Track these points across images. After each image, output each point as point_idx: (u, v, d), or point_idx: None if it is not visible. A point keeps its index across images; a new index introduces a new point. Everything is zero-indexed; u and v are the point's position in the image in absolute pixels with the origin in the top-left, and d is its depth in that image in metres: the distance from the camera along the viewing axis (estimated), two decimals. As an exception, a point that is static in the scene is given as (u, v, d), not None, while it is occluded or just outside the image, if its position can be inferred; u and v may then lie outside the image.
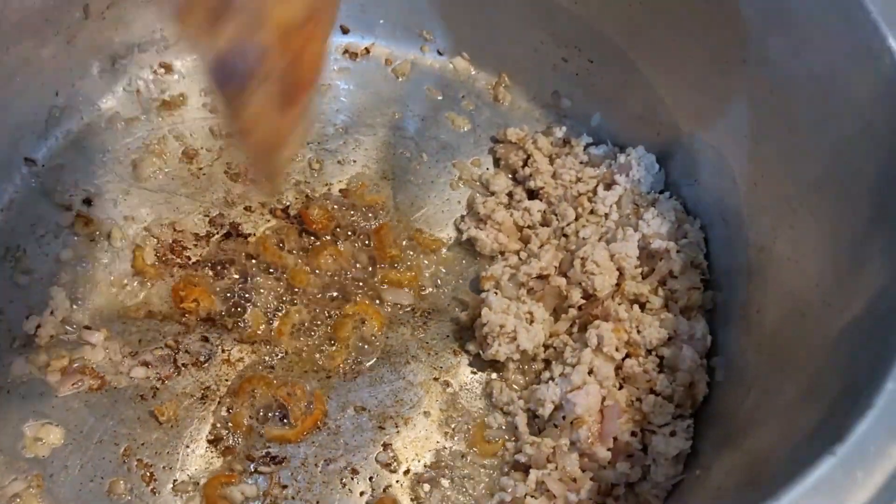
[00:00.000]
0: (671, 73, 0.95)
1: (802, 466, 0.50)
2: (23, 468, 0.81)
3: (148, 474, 0.82)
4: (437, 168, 1.05)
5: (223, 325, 0.90)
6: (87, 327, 0.88)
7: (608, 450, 0.82)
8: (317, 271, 0.94)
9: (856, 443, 0.50)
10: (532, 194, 1.02)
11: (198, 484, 0.82)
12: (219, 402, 0.86)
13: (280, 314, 0.91)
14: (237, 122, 0.61)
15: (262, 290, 0.92)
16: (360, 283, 0.94)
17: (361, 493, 0.83)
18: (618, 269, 0.92)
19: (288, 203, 0.99)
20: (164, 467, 0.83)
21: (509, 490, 0.82)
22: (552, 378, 0.87)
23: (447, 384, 0.90)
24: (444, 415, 0.88)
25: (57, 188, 0.96)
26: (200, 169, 1.00)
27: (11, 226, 0.93)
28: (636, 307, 0.91)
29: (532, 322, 0.90)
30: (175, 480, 0.82)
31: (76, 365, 0.86)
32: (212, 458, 0.84)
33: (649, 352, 0.88)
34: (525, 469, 0.84)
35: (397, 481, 0.84)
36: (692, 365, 0.86)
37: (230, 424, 0.85)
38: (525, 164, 1.03)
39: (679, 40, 0.91)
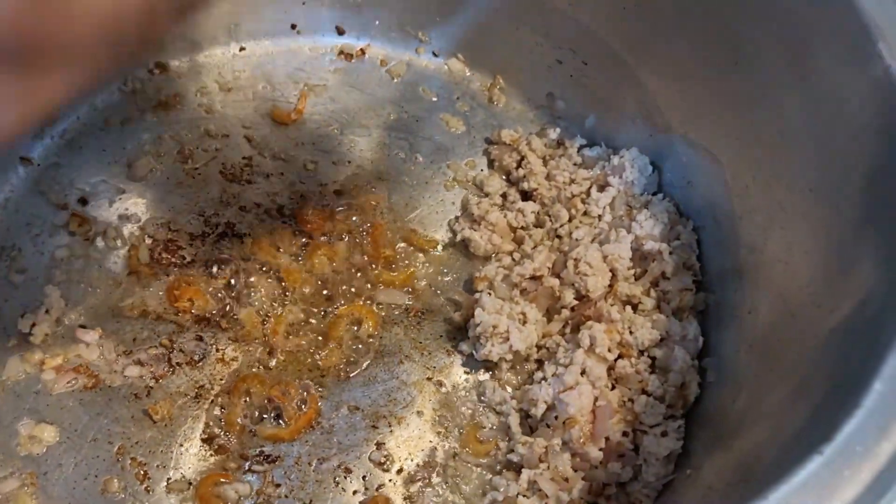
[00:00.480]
0: (664, 75, 0.95)
1: (791, 465, 0.51)
2: (17, 466, 0.82)
3: (142, 473, 0.82)
4: (432, 169, 1.05)
5: (217, 324, 0.90)
6: (82, 326, 0.88)
7: (600, 450, 0.83)
8: (311, 271, 0.94)
9: (843, 442, 0.51)
10: (526, 195, 1.02)
11: (191, 482, 0.82)
12: (213, 402, 0.87)
13: (274, 314, 0.92)
14: None
15: (256, 290, 0.92)
16: (355, 284, 0.95)
17: (354, 492, 0.84)
18: (610, 271, 0.92)
19: (283, 203, 0.99)
20: (158, 466, 0.83)
21: (501, 489, 0.83)
22: (545, 378, 0.87)
23: (440, 384, 0.91)
24: (437, 414, 0.89)
25: (52, 187, 0.96)
26: (196, 169, 1.01)
27: (6, 224, 0.94)
28: (629, 308, 0.91)
29: (525, 323, 0.90)
30: (169, 479, 0.82)
31: (71, 363, 0.86)
32: (206, 456, 0.84)
33: (641, 352, 0.88)
34: (517, 469, 0.84)
35: (390, 480, 0.85)
36: (684, 366, 0.86)
37: (224, 423, 0.85)
38: (519, 166, 1.04)
39: (672, 43, 0.92)
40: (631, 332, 0.88)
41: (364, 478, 0.85)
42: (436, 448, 0.87)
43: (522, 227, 1.00)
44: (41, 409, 0.84)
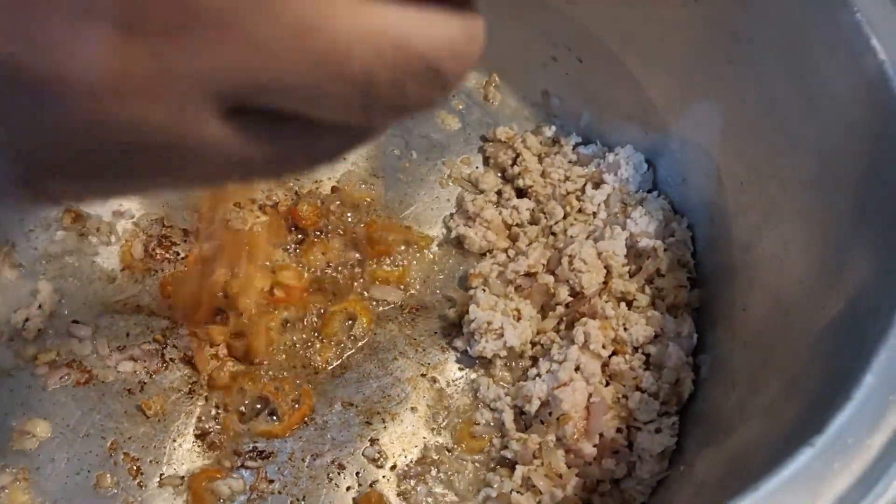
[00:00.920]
0: (659, 72, 0.95)
1: (783, 458, 0.51)
2: (9, 461, 0.81)
3: (135, 468, 0.82)
4: (427, 166, 1.05)
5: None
6: (75, 321, 0.88)
7: (594, 446, 0.82)
8: (305, 267, 0.94)
9: (834, 434, 0.50)
10: (521, 193, 1.02)
11: (184, 478, 0.82)
12: (206, 397, 0.86)
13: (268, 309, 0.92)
14: None
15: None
16: (349, 280, 0.95)
17: (348, 488, 0.84)
18: (605, 268, 0.92)
19: (277, 200, 0.99)
20: (150, 461, 0.83)
21: (495, 486, 0.83)
22: (539, 375, 0.87)
23: (434, 380, 0.90)
24: (431, 411, 0.89)
25: (46, 183, 0.96)
26: (190, 165, 1.00)
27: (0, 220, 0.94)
28: (623, 305, 0.91)
29: (519, 319, 0.90)
30: (162, 474, 0.82)
31: (64, 359, 0.86)
32: (199, 452, 0.84)
33: (636, 349, 0.88)
34: (511, 465, 0.84)
35: (384, 476, 0.85)
36: (678, 363, 0.86)
37: (217, 419, 0.85)
38: (514, 163, 1.04)
39: (667, 39, 0.92)
40: (625, 329, 0.88)
41: (357, 474, 0.84)
42: (429, 444, 0.87)
43: (517, 225, 1.00)
44: (34, 404, 0.84)
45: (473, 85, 1.12)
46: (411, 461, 0.86)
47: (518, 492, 0.82)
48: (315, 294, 0.93)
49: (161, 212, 0.96)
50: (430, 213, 1.02)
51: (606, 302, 0.90)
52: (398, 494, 0.84)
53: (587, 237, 0.95)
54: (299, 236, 0.96)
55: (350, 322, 0.92)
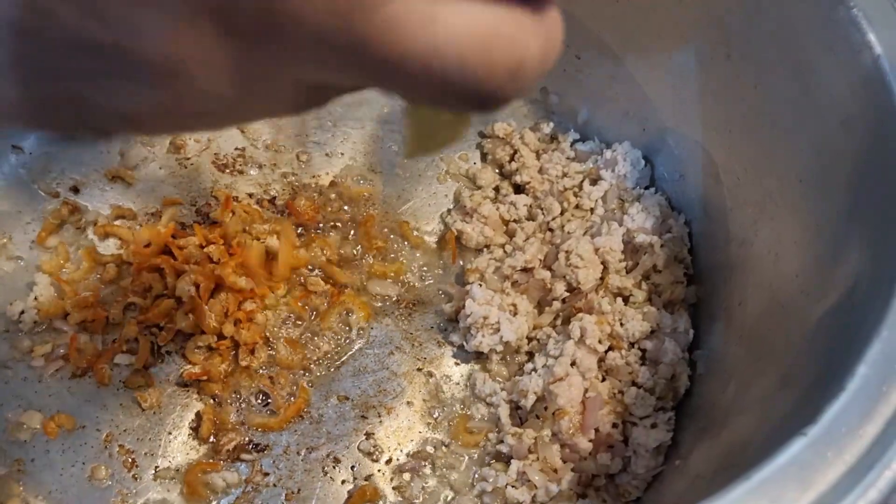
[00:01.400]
0: (657, 69, 0.96)
1: (776, 449, 0.51)
2: (4, 453, 0.81)
3: (129, 460, 0.82)
4: (425, 161, 1.05)
5: (208, 313, 0.90)
6: (71, 313, 0.88)
7: (589, 441, 0.82)
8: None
9: (827, 424, 0.50)
10: (518, 189, 1.03)
11: (179, 471, 0.82)
12: (202, 390, 0.86)
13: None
14: None
15: (247, 280, 0.92)
16: (346, 274, 0.94)
17: (343, 482, 0.84)
18: (602, 263, 0.92)
19: (275, 194, 0.99)
20: (145, 454, 0.83)
21: (490, 480, 0.82)
22: (535, 370, 0.87)
23: (431, 375, 0.90)
24: (426, 405, 0.89)
25: (44, 176, 0.96)
26: (188, 159, 1.00)
27: (-3, 212, 0.94)
28: (619, 301, 0.91)
29: (516, 314, 0.90)
30: (157, 467, 0.82)
31: (59, 351, 0.86)
32: (194, 445, 0.84)
33: (632, 345, 0.88)
34: (507, 459, 0.84)
35: (379, 470, 0.84)
36: (674, 358, 0.86)
37: (213, 412, 0.85)
38: (512, 159, 1.04)
39: (665, 36, 0.92)
40: (622, 325, 0.88)
41: (353, 467, 0.84)
42: (425, 438, 0.87)
43: (515, 220, 1.00)
44: (29, 396, 0.84)
45: (472, 81, 1.11)
46: (407, 455, 0.86)
47: (513, 486, 0.82)
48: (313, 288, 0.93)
49: (159, 206, 0.96)
50: (428, 208, 1.02)
51: (603, 297, 0.90)
52: (393, 488, 0.84)
53: (584, 233, 0.95)
54: (299, 230, 0.96)
55: (347, 316, 0.92)
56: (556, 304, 0.91)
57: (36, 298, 0.88)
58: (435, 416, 0.88)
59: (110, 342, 0.87)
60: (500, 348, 0.89)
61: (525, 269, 0.93)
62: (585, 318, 0.88)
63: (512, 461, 0.83)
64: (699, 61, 0.90)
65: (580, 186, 1.00)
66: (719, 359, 0.85)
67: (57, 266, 0.91)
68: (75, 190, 0.96)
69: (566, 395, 0.83)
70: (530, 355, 0.90)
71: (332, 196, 0.99)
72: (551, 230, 0.98)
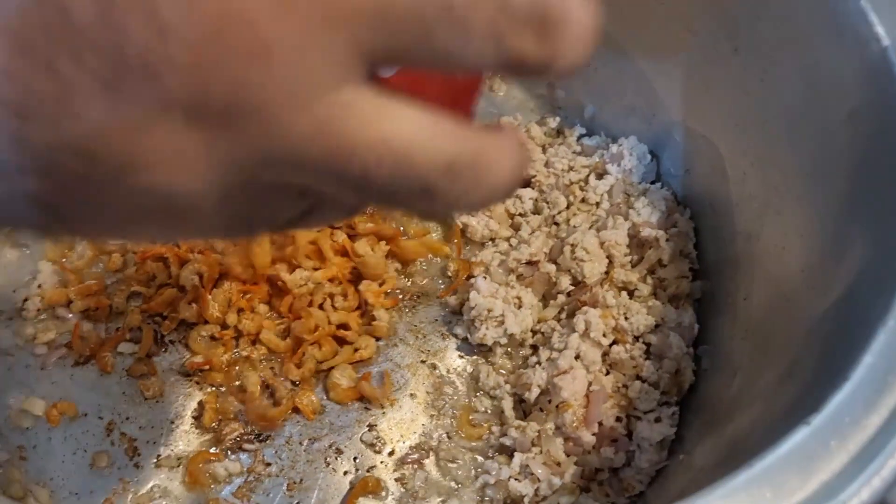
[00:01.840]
0: (663, 63, 0.95)
1: (779, 438, 0.50)
2: (6, 440, 0.81)
3: (131, 448, 0.82)
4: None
5: (212, 302, 0.90)
6: (75, 301, 0.88)
7: (593, 434, 0.82)
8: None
9: (831, 413, 0.50)
10: (524, 182, 1.02)
11: (181, 459, 0.82)
12: (205, 379, 0.86)
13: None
14: None
15: (251, 270, 0.92)
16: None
17: (345, 473, 0.83)
18: (607, 257, 0.92)
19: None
20: (148, 442, 0.83)
21: (493, 473, 0.82)
22: (539, 363, 0.87)
23: (434, 367, 0.90)
24: (430, 397, 0.88)
25: (50, 165, 0.96)
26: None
27: (2, 200, 0.93)
28: (624, 294, 0.91)
29: (520, 307, 0.90)
30: (159, 455, 0.82)
31: (62, 338, 0.86)
32: (196, 433, 0.84)
33: (637, 338, 0.88)
34: (510, 452, 0.84)
35: (381, 462, 0.84)
36: (679, 352, 0.86)
37: (215, 401, 0.85)
38: (518, 153, 1.03)
39: (671, 30, 0.92)
40: (626, 318, 0.88)
41: (355, 459, 0.84)
42: (428, 431, 0.86)
43: (520, 214, 0.99)
44: (32, 384, 0.84)
45: (478, 75, 1.11)
46: (409, 447, 0.85)
47: (516, 479, 0.81)
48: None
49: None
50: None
51: (608, 291, 0.90)
52: (396, 480, 0.83)
53: (590, 227, 0.95)
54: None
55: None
56: (561, 298, 0.91)
57: (40, 286, 0.88)
58: (438, 408, 0.88)
59: (113, 330, 0.88)
60: (504, 341, 0.89)
61: (530, 263, 0.93)
62: (590, 311, 0.87)
63: (515, 454, 0.82)
64: (705, 55, 0.90)
65: (586, 180, 1.00)
66: (724, 353, 0.85)
67: (61, 254, 0.91)
68: (81, 179, 0.96)
69: (570, 389, 0.83)
70: (534, 348, 0.90)
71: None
72: (557, 224, 0.98)
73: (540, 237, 0.95)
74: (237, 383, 0.86)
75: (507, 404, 0.87)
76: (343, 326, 0.89)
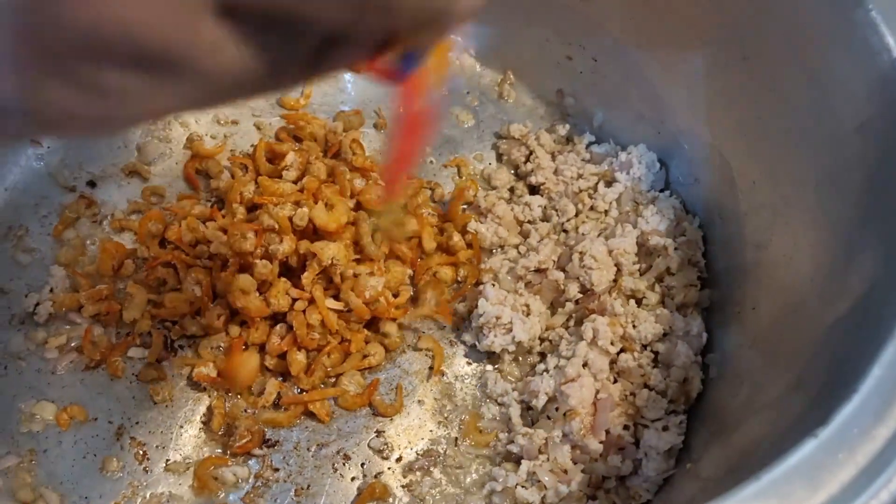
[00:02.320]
0: (672, 72, 0.95)
1: (787, 450, 0.50)
2: (17, 443, 0.82)
3: (141, 453, 0.83)
4: (441, 161, 1.05)
5: (222, 307, 0.90)
6: (86, 306, 0.88)
7: (600, 442, 0.82)
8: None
9: (839, 425, 0.50)
10: (533, 190, 1.02)
11: (190, 464, 0.83)
12: (213, 385, 0.86)
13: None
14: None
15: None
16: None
17: (353, 479, 0.84)
18: (615, 265, 0.92)
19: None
20: (157, 446, 0.83)
21: (500, 480, 0.82)
22: (547, 370, 0.87)
23: (442, 374, 0.90)
24: (438, 404, 0.89)
25: (61, 170, 0.97)
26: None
27: (15, 204, 0.94)
28: (632, 302, 0.91)
29: (528, 314, 0.90)
30: (168, 460, 0.83)
31: (73, 343, 0.87)
32: (205, 439, 0.84)
33: (644, 347, 0.88)
34: (517, 460, 0.84)
35: (389, 468, 0.84)
36: (686, 361, 0.86)
37: (224, 407, 0.85)
38: (527, 160, 1.04)
39: (681, 38, 0.92)
40: (634, 327, 0.88)
41: (363, 465, 0.84)
42: (436, 437, 0.87)
43: (529, 221, 0.99)
44: (43, 388, 0.85)
45: (488, 82, 1.12)
46: (417, 454, 0.85)
47: (523, 486, 0.81)
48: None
49: (174, 200, 0.97)
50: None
51: (616, 299, 0.90)
52: (403, 486, 0.84)
53: (598, 235, 0.95)
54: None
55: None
56: (569, 305, 0.91)
57: (51, 291, 0.89)
58: (446, 415, 0.88)
59: (124, 335, 0.88)
60: (512, 348, 0.89)
61: (539, 270, 0.93)
62: (598, 319, 0.87)
63: (522, 461, 0.82)
64: (714, 64, 0.90)
65: (595, 188, 1.00)
66: (732, 362, 0.84)
67: (72, 259, 0.91)
68: (92, 184, 0.97)
69: (577, 396, 0.83)
70: (542, 356, 0.90)
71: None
72: (565, 231, 0.98)
73: (549, 244, 0.95)
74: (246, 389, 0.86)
75: (515, 411, 0.87)
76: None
